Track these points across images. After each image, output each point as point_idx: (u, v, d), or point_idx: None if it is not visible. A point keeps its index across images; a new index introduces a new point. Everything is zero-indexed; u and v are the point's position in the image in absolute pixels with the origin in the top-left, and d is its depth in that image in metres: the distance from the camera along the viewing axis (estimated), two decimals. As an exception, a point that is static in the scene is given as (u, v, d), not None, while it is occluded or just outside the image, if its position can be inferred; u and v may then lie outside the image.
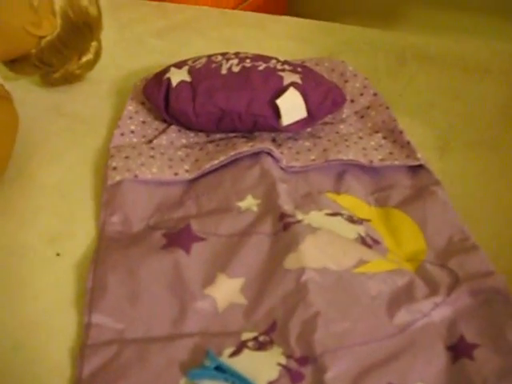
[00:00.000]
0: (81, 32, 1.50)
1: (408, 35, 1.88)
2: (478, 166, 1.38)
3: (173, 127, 1.45)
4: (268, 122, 1.37)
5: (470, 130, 1.49)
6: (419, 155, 1.32)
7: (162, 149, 1.38)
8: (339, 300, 1.04)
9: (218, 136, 1.43)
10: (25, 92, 1.60)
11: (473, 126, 1.50)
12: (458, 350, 0.98)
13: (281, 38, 1.86)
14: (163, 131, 1.44)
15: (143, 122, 1.47)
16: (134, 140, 1.42)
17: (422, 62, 1.73)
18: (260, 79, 1.39)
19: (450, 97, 1.60)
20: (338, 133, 1.43)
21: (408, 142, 1.36)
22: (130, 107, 1.49)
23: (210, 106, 1.38)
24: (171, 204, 1.26)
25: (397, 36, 1.87)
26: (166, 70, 1.47)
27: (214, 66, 1.44)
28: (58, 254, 1.18)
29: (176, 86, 1.41)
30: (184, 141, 1.43)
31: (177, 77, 1.42)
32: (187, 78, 1.42)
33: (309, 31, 1.89)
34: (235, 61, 1.44)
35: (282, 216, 1.17)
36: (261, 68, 1.42)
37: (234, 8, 2.44)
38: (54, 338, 1.04)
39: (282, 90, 1.37)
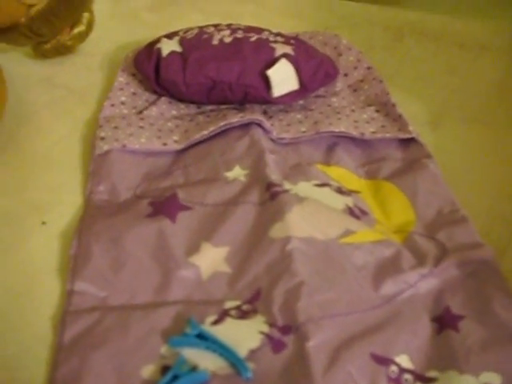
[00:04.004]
0: (71, 2, 1.48)
1: (406, 11, 1.86)
2: (471, 141, 1.37)
3: (163, 99, 1.43)
4: (259, 92, 1.35)
5: (465, 106, 1.47)
6: (411, 128, 1.31)
7: (152, 119, 1.36)
8: (324, 270, 1.03)
9: (209, 108, 1.42)
10: (17, 64, 1.59)
11: (467, 102, 1.49)
12: (444, 321, 0.97)
13: (277, 13, 1.84)
14: (154, 102, 1.43)
15: (134, 94, 1.45)
16: (125, 111, 1.40)
17: (419, 38, 1.72)
18: (251, 50, 1.37)
19: (446, 73, 1.59)
20: (330, 106, 1.41)
21: (400, 115, 1.34)
22: (121, 78, 1.48)
23: (201, 76, 1.36)
24: (159, 174, 1.25)
25: (395, 12, 1.85)
26: (157, 40, 1.45)
27: (205, 36, 1.42)
28: (43, 223, 1.18)
29: (166, 57, 1.39)
30: (174, 112, 1.41)
31: (167, 47, 1.41)
32: (178, 49, 1.40)
33: (306, 6, 1.88)
34: (227, 32, 1.43)
35: (270, 185, 1.16)
36: (253, 39, 1.40)
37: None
38: (37, 305, 1.04)
39: (273, 61, 1.35)
